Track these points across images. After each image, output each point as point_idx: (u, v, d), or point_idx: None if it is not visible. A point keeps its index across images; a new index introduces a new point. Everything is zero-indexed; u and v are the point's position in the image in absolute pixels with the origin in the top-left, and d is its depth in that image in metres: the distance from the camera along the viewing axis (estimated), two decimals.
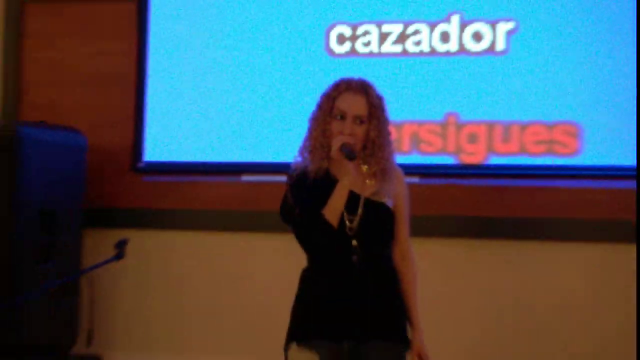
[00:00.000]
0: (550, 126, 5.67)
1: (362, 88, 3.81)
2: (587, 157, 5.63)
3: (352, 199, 3.74)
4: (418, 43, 5.86)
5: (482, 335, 5.95)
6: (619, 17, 5.84)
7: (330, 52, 5.89)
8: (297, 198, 3.82)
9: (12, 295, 5.64)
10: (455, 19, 5.92)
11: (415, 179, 5.32)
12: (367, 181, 3.82)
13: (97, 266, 4.79)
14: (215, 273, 6.31)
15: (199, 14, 6.53)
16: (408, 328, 3.77)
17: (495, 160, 5.76)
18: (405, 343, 3.74)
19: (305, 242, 3.82)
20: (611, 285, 5.61)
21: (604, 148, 5.72)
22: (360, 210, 3.74)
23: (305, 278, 3.82)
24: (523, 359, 5.90)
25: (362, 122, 3.72)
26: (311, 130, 3.82)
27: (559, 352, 5.77)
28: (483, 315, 5.98)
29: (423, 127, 5.67)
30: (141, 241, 5.49)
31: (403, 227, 3.90)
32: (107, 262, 4.61)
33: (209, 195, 6.13)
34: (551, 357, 5.81)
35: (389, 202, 3.80)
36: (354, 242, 3.74)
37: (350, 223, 3.74)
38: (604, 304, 5.53)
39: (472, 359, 5.83)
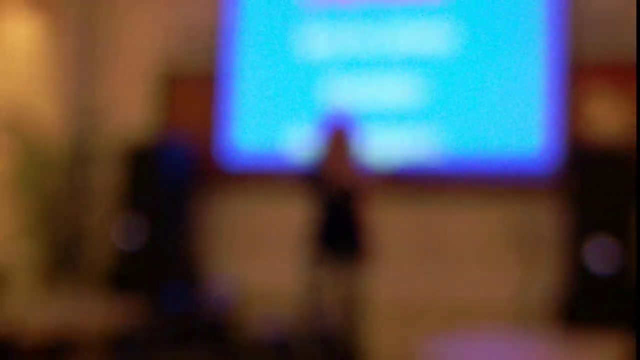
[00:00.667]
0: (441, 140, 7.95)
1: (337, 117, 6.58)
2: None
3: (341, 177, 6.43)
4: None
5: (412, 261, 8.11)
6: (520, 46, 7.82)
7: None
8: (310, 173, 6.61)
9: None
10: None
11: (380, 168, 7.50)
12: (347, 169, 6.46)
13: (204, 214, 7.73)
14: (264, 216, 8.62)
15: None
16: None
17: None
18: (361, 252, 6.44)
19: (314, 195, 6.58)
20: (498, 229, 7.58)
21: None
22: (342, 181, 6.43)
23: (313, 218, 6.49)
24: (440, 275, 8.03)
25: (342, 138, 6.46)
26: (319, 141, 6.57)
27: (466, 272, 7.94)
28: (415, 248, 8.16)
29: None
30: (224, 201, 8.41)
31: (369, 192, 6.59)
32: (207, 213, 7.66)
33: (259, 178, 8.63)
34: (448, 271, 7.99)
35: (359, 178, 6.50)
36: (342, 200, 6.50)
37: (336, 187, 6.45)
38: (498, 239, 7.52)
39: (409, 270, 7.98)
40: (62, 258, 8.76)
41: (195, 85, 8.98)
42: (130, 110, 9.06)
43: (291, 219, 7.63)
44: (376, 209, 6.86)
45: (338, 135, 6.59)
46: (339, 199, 6.52)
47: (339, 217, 6.58)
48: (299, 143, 8.31)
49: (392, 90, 8.24)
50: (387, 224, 7.19)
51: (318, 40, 8.47)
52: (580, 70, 7.77)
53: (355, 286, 6.46)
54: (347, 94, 8.25)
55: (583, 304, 6.96)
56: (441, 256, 8.12)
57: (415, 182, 8.18)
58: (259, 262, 8.49)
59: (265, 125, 8.66)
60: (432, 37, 8.12)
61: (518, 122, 7.84)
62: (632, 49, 7.25)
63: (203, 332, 3.50)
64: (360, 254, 6.53)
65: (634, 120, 7.42)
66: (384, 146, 8.15)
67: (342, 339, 4.69)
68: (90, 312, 5.76)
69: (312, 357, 4.60)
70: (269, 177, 8.60)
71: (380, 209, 7.01)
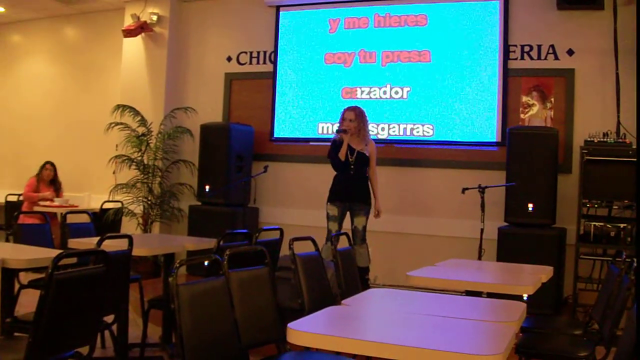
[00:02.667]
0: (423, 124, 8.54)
1: (353, 109, 7.35)
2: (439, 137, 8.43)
3: (352, 149, 7.17)
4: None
5: (396, 205, 8.54)
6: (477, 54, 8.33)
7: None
8: (332, 149, 7.33)
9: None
10: None
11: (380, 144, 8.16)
12: (358, 144, 7.18)
13: (258, 174, 8.07)
14: (300, 177, 9.09)
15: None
16: (373, 200, 7.17)
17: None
18: (369, 205, 7.21)
19: (333, 165, 7.30)
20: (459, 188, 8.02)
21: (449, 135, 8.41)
22: (355, 154, 7.18)
23: (334, 179, 7.29)
24: (411, 218, 8.53)
25: (351, 121, 7.27)
26: (339, 125, 7.31)
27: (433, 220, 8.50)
28: (395, 197, 8.57)
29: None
30: (272, 166, 8.51)
31: (373, 164, 7.28)
32: (260, 173, 7.92)
33: (297, 149, 9.17)
34: (421, 218, 8.45)
35: (366, 152, 7.24)
36: (352, 166, 7.19)
37: (351, 157, 7.17)
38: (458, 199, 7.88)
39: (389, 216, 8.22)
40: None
41: (250, 84, 9.58)
42: (207, 101, 9.75)
43: (320, 177, 8.13)
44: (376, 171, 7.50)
45: (353, 115, 7.25)
46: (349, 161, 7.18)
47: (352, 175, 7.23)
48: (325, 126, 8.95)
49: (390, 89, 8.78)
50: (381, 181, 7.71)
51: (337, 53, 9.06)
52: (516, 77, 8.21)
53: (360, 223, 7.22)
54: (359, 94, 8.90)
55: (514, 245, 7.32)
56: (419, 206, 8.61)
57: (401, 152, 8.70)
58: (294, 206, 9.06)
59: (300, 112, 9.25)
60: (420, 52, 8.66)
61: (478, 112, 8.35)
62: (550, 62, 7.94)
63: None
64: (362, 203, 7.28)
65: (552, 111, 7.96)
66: (382, 126, 8.73)
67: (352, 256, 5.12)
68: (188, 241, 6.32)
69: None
70: (303, 147, 9.17)
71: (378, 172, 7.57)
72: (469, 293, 4.39)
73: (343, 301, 3.30)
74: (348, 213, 7.31)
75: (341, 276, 4.98)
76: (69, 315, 3.46)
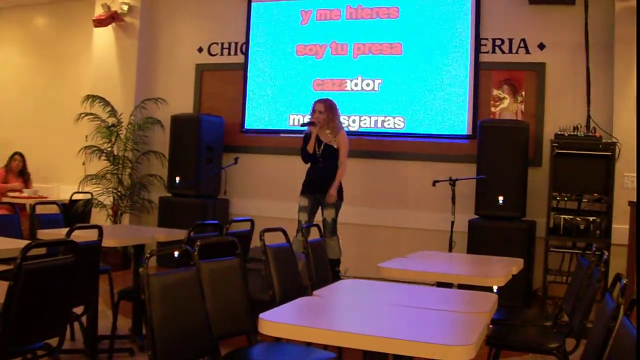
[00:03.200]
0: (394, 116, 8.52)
1: (323, 101, 7.30)
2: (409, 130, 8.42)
3: (320, 141, 7.15)
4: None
5: (366, 197, 8.57)
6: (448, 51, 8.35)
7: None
8: (303, 141, 7.25)
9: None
10: None
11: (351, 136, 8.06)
12: (327, 136, 7.17)
13: (228, 166, 7.98)
14: (271, 168, 9.02)
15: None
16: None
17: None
18: (339, 198, 7.11)
19: (302, 157, 7.27)
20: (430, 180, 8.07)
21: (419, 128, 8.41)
22: (322, 146, 7.17)
23: (307, 170, 7.25)
24: (381, 210, 8.54)
25: (320, 113, 7.20)
26: (310, 117, 7.26)
27: (400, 210, 8.50)
28: (366, 189, 8.57)
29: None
30: (243, 157, 8.42)
31: (341, 156, 7.18)
32: (230, 165, 7.83)
33: (268, 141, 9.10)
34: (391, 210, 8.46)
35: (335, 144, 7.20)
36: (319, 158, 7.17)
37: (318, 150, 7.16)
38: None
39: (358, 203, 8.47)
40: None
41: (221, 75, 9.53)
42: (178, 92, 9.68)
43: (291, 169, 8.14)
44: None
45: (322, 107, 7.23)
46: (320, 155, 7.18)
47: (321, 168, 7.24)
48: (296, 118, 8.90)
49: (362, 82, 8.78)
50: (349, 173, 7.68)
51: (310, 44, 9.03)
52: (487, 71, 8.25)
53: (329, 215, 7.20)
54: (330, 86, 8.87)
55: (484, 237, 7.40)
56: (390, 199, 8.62)
57: (371, 144, 8.70)
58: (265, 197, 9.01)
59: (272, 103, 9.21)
60: (392, 44, 8.66)
61: (449, 104, 8.38)
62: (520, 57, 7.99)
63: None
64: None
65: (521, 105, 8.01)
66: (353, 118, 8.73)
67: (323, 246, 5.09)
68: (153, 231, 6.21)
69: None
70: (274, 139, 9.14)
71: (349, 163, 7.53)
72: (440, 285, 4.39)
73: (314, 292, 3.28)
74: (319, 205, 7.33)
75: (312, 267, 4.97)
76: (38, 306, 3.42)
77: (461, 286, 4.28)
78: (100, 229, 4.81)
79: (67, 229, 4.62)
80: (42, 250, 4.22)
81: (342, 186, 7.29)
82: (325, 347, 4.45)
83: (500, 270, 4.49)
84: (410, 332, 2.62)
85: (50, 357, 3.87)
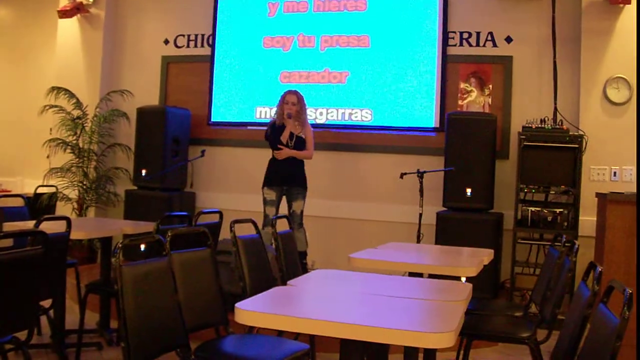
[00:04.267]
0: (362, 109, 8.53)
1: (295, 92, 7.33)
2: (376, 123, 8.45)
3: (291, 134, 7.13)
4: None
5: (334, 189, 8.57)
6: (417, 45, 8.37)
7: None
8: (270, 131, 7.27)
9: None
10: None
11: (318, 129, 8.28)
12: (297, 128, 7.19)
13: (194, 159, 8.06)
14: (238, 161, 8.92)
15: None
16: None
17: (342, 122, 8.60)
18: (306, 189, 7.22)
19: (272, 147, 7.27)
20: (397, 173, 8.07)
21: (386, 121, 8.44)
22: (294, 138, 7.19)
23: (270, 162, 7.28)
24: (348, 203, 8.53)
25: (294, 105, 7.19)
26: (277, 108, 7.25)
27: (372, 202, 8.47)
28: (331, 180, 8.60)
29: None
30: (209, 150, 8.42)
31: (310, 147, 7.27)
32: (197, 157, 7.88)
33: (235, 134, 9.02)
34: (358, 202, 8.45)
35: (303, 136, 7.24)
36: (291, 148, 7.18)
37: (290, 142, 7.15)
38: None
39: (328, 198, 8.46)
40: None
41: (187, 67, 9.43)
42: (143, 84, 9.56)
43: (258, 161, 7.93)
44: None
45: (295, 99, 7.25)
46: (288, 145, 7.17)
47: (290, 160, 7.23)
48: (263, 110, 8.87)
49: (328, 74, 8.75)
50: (316, 165, 7.79)
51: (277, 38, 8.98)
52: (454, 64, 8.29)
53: (298, 207, 7.23)
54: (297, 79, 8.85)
55: (452, 229, 7.44)
56: (357, 191, 8.61)
57: (339, 136, 8.69)
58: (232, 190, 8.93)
59: (238, 96, 9.15)
60: (359, 37, 8.64)
61: (417, 97, 8.39)
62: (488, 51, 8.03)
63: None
64: (300, 187, 7.30)
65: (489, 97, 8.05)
66: (320, 110, 8.71)
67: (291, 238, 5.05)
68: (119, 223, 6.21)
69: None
70: (240, 132, 9.08)
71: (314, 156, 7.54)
72: (412, 275, 4.38)
73: (289, 282, 3.26)
74: (284, 197, 7.32)
75: (282, 259, 4.96)
76: (7, 299, 3.37)
77: (431, 276, 4.31)
78: (68, 220, 4.75)
79: (34, 221, 4.57)
80: (9, 242, 4.18)
81: (306, 176, 7.32)
82: (297, 336, 4.47)
83: (472, 260, 4.52)
84: (389, 319, 2.60)
85: (19, 351, 3.81)
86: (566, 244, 4.66)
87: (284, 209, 7.35)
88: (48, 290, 4.49)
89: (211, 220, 5.95)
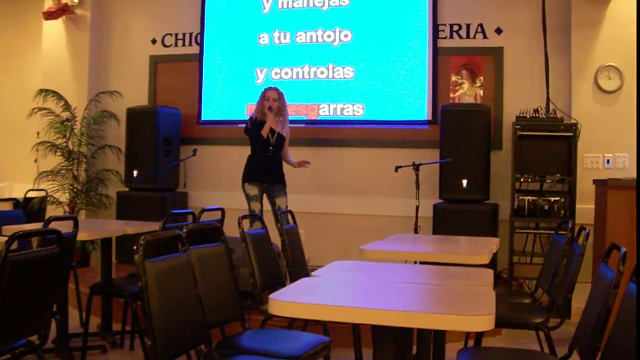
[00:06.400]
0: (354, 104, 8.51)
1: (275, 88, 7.31)
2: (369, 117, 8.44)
3: (272, 131, 7.17)
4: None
5: (326, 185, 8.53)
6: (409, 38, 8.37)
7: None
8: (252, 126, 7.21)
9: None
10: None
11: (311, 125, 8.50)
12: (277, 125, 7.18)
13: (186, 158, 8.00)
14: (229, 159, 8.56)
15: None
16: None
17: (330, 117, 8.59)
18: (283, 184, 7.19)
19: (252, 142, 7.23)
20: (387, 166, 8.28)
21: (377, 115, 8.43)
22: (275, 135, 7.18)
23: (250, 157, 7.23)
24: (342, 198, 8.52)
25: (274, 100, 7.22)
26: (257, 103, 7.25)
27: (360, 196, 8.46)
28: (324, 176, 8.55)
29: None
30: (201, 149, 8.32)
31: (287, 145, 7.24)
32: (189, 157, 7.85)
33: (226, 132, 8.98)
34: (353, 198, 8.43)
35: (284, 133, 7.21)
36: (271, 147, 7.14)
37: (272, 138, 7.16)
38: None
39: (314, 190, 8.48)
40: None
41: (175, 66, 9.37)
42: (132, 84, 9.48)
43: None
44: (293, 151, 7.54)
45: (275, 94, 7.24)
46: (270, 142, 7.15)
47: (271, 157, 7.21)
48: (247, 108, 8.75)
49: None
50: (312, 161, 7.69)
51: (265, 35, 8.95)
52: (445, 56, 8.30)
53: (283, 203, 7.16)
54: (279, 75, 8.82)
55: (449, 220, 7.42)
56: (351, 186, 8.59)
57: (331, 132, 8.67)
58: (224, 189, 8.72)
59: (228, 94, 9.11)
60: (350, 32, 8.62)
61: (408, 91, 8.38)
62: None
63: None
64: (280, 184, 7.27)
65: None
66: (312, 106, 8.67)
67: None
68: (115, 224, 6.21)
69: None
70: (231, 130, 8.99)
71: (295, 151, 7.63)
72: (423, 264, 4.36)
73: (312, 273, 3.23)
74: (265, 194, 7.28)
75: (289, 254, 4.95)
76: (24, 300, 3.32)
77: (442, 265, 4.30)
78: (75, 220, 4.70)
79: (32, 224, 4.50)
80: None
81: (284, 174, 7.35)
82: (318, 322, 4.43)
83: (483, 248, 4.50)
84: (430, 305, 2.59)
85: (27, 356, 3.75)
86: (572, 229, 4.72)
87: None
88: (60, 291, 4.44)
89: (212, 219, 5.90)
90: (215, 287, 3.71)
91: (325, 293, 2.85)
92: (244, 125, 8.26)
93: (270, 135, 7.14)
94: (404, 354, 2.71)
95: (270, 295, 2.60)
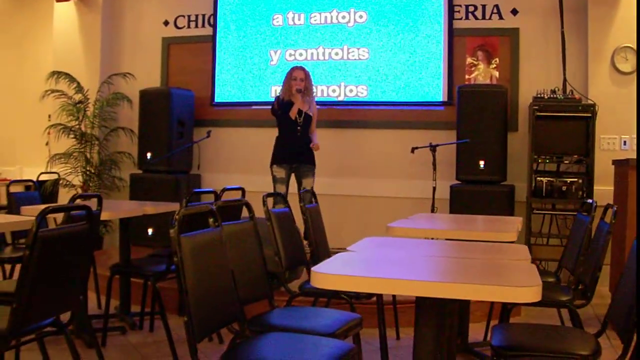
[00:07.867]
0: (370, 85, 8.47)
1: (302, 68, 7.29)
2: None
3: (300, 110, 7.10)
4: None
5: (343, 167, 8.53)
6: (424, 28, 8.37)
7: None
8: (279, 107, 7.15)
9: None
10: None
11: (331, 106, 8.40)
12: (305, 105, 7.10)
13: (200, 140, 7.96)
14: (244, 141, 8.87)
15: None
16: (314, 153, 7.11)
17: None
18: (315, 165, 7.21)
19: (280, 123, 7.21)
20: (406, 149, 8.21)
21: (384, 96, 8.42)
22: (303, 115, 7.12)
23: (278, 139, 7.21)
24: (357, 180, 8.51)
25: (302, 80, 7.17)
26: (284, 83, 7.17)
27: (380, 179, 8.45)
28: (339, 158, 8.54)
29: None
30: (215, 131, 8.19)
31: (314, 125, 7.25)
32: (203, 139, 7.81)
33: (240, 114, 9.01)
34: (369, 179, 8.42)
35: (311, 113, 7.21)
36: (299, 127, 7.11)
37: (299, 118, 7.12)
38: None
39: (335, 174, 8.44)
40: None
41: (188, 48, 9.32)
42: (144, 66, 9.46)
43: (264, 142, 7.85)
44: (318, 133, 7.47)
45: (303, 74, 7.18)
46: (297, 122, 7.10)
47: (299, 137, 7.15)
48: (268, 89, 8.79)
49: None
50: (330, 143, 7.83)
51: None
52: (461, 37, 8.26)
53: (309, 184, 7.15)
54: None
55: (466, 201, 7.45)
56: (368, 168, 8.56)
57: (349, 113, 8.64)
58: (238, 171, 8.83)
59: (239, 76, 9.07)
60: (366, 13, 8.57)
61: (425, 72, 8.35)
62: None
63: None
64: (309, 164, 7.23)
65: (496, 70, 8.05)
66: (333, 87, 8.64)
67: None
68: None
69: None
70: (245, 112, 9.00)
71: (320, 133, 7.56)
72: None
73: (348, 248, 3.20)
74: (293, 175, 7.25)
75: (311, 233, 4.92)
76: (54, 277, 3.28)
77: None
78: (99, 198, 4.67)
79: (45, 205, 4.41)
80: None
81: (314, 153, 7.26)
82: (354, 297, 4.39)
83: (509, 226, 4.49)
84: (476, 277, 2.56)
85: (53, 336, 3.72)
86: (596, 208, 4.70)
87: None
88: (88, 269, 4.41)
89: (231, 198, 5.87)
90: (245, 264, 3.67)
91: (364, 267, 2.82)
92: (258, 107, 8.48)
93: (297, 116, 7.09)
94: (444, 330, 2.69)
95: (312, 268, 2.57)
